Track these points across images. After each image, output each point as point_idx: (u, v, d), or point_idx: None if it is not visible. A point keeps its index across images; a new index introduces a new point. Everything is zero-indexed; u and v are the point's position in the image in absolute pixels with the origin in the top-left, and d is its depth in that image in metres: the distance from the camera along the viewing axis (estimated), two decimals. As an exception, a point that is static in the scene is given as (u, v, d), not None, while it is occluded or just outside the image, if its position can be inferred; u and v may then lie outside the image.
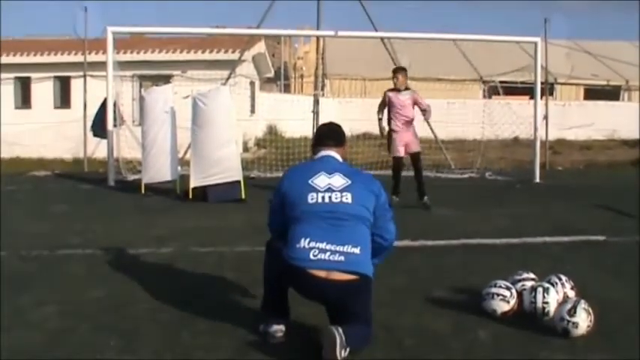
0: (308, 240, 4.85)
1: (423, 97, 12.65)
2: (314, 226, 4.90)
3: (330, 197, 5.00)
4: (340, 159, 5.37)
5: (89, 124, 16.96)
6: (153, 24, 19.56)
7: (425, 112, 12.57)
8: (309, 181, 5.07)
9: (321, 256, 4.81)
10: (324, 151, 5.38)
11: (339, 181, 5.08)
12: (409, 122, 12.41)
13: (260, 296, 5.40)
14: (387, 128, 12.52)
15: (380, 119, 12.60)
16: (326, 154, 5.35)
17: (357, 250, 4.87)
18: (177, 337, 5.23)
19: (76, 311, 5.85)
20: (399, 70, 12.77)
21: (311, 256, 4.80)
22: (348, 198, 5.01)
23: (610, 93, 38.00)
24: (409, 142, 12.32)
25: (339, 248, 4.83)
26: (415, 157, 12.41)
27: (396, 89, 12.46)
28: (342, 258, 4.82)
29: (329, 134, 5.52)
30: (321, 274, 4.78)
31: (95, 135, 16.54)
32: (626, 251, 8.64)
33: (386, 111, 12.54)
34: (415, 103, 12.42)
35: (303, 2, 23.56)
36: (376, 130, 13.22)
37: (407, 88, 12.49)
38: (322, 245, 4.83)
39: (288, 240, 4.96)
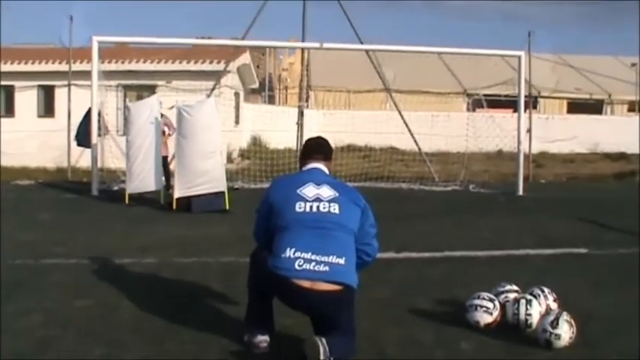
0: (293, 250, 4.87)
1: (408, 109, 12.93)
2: (300, 236, 4.93)
3: (317, 207, 5.03)
4: (327, 172, 5.42)
5: (73, 133, 16.92)
6: (138, 34, 19.54)
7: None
8: (297, 191, 5.10)
9: (306, 266, 4.83)
10: (311, 164, 5.41)
11: (327, 192, 5.12)
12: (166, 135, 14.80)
13: (244, 306, 5.40)
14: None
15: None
16: (314, 167, 5.39)
17: (341, 261, 4.90)
18: (161, 346, 5.23)
19: (61, 320, 5.85)
20: None
21: (296, 266, 4.82)
22: (335, 208, 5.04)
23: (593, 107, 38.26)
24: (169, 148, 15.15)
25: (324, 258, 4.85)
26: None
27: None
28: (326, 268, 4.84)
29: (317, 148, 5.56)
30: (306, 284, 4.80)
31: (79, 144, 16.50)
32: (608, 264, 8.72)
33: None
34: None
35: (289, 14, 23.66)
36: (360, 142, 13.59)
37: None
38: (307, 255, 4.85)
39: (273, 250, 4.98)
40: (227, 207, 12.73)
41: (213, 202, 12.82)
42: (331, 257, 4.87)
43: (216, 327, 5.61)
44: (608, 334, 5.69)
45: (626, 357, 5.22)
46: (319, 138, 5.77)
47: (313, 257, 4.85)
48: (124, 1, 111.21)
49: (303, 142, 6.09)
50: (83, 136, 15.96)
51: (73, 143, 17.20)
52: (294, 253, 4.86)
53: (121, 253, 8.69)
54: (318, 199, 5.07)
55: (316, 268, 4.82)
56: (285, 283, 4.83)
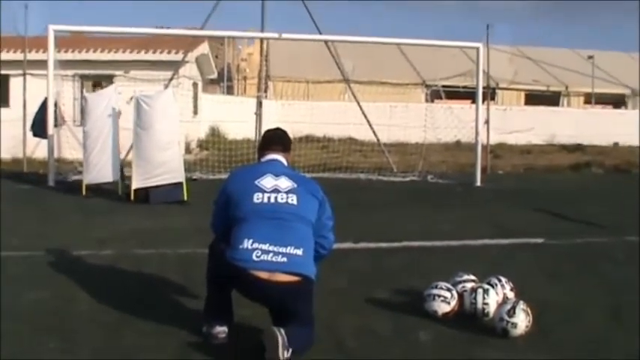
0: (251, 241, 4.86)
1: (366, 99, 12.96)
2: (258, 227, 4.92)
3: (275, 198, 5.03)
4: (286, 164, 5.41)
5: (29, 123, 16.68)
6: (95, 23, 19.35)
7: None
8: (256, 182, 5.09)
9: (264, 257, 4.82)
10: (270, 155, 5.41)
11: (285, 183, 5.11)
12: None
13: (203, 298, 5.38)
14: None
15: None
16: (272, 158, 5.38)
17: (299, 252, 4.90)
18: (119, 338, 5.20)
19: (16, 313, 5.78)
20: None
21: (254, 257, 4.81)
22: (293, 200, 5.04)
23: (550, 98, 38.65)
24: None
25: (282, 249, 4.85)
26: None
27: None
28: (284, 259, 4.84)
29: (276, 139, 5.55)
30: (264, 275, 4.79)
31: (35, 135, 16.27)
32: (563, 253, 8.82)
33: None
34: None
35: (248, 4, 23.51)
36: (318, 133, 13.58)
37: None
38: (265, 246, 4.85)
39: (231, 241, 4.96)
40: (185, 198, 12.67)
41: (172, 193, 12.74)
42: (289, 248, 4.87)
43: (175, 318, 5.59)
44: (563, 322, 5.77)
45: (580, 344, 5.29)
46: (278, 129, 5.76)
47: (271, 248, 4.84)
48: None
49: (262, 132, 6.09)
50: (39, 127, 15.74)
51: (29, 133, 16.94)
52: (251, 244, 4.86)
53: (78, 245, 8.60)
54: (276, 190, 5.06)
55: (274, 259, 4.82)
56: (243, 274, 4.81)
